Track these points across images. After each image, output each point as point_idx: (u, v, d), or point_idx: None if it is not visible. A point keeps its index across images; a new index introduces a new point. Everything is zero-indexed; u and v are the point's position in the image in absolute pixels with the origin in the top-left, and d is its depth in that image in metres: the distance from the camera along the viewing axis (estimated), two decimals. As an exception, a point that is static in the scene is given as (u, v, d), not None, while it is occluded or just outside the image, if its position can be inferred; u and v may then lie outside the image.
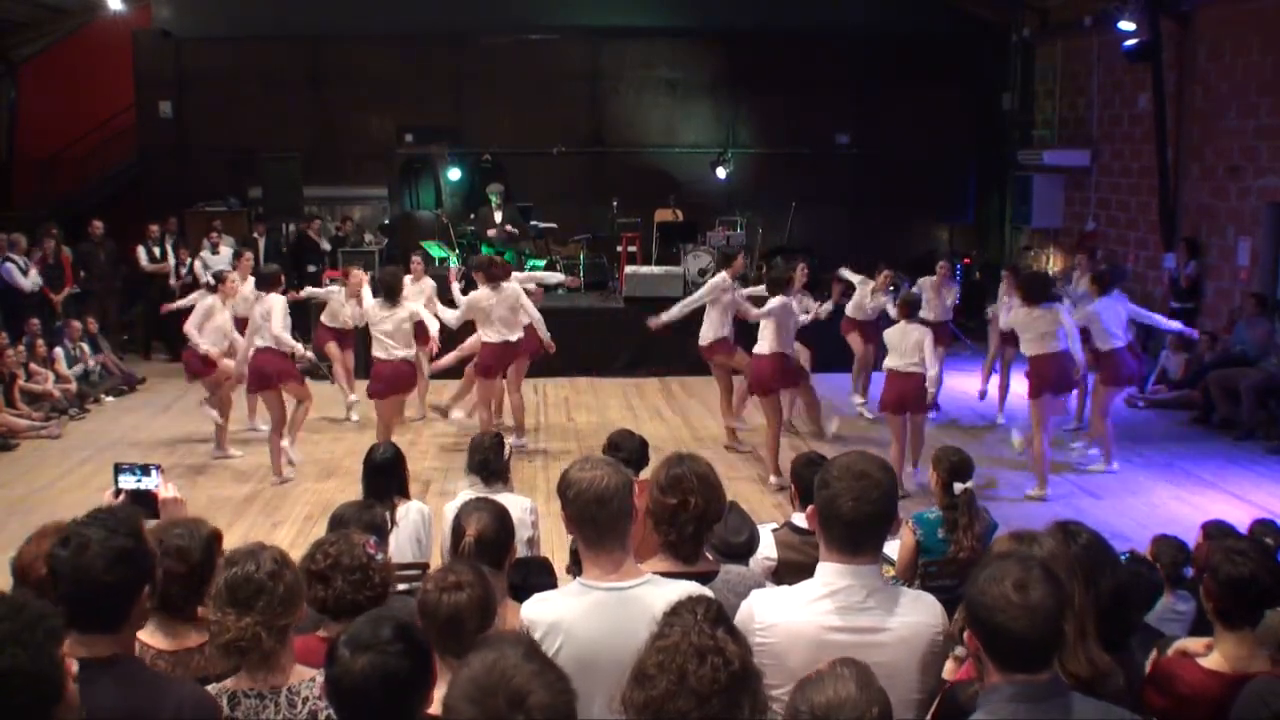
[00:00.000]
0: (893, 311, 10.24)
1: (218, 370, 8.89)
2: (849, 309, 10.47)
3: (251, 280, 9.87)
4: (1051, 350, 7.85)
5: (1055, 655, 2.16)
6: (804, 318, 8.99)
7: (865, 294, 10.35)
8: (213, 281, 9.08)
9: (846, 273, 10.64)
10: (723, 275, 9.23)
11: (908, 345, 7.94)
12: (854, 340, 10.56)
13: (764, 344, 8.29)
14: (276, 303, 8.27)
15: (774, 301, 8.27)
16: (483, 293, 8.71)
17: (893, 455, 7.83)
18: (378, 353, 8.18)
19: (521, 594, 3.07)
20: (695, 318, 9.30)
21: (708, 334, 9.19)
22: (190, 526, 2.79)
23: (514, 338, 8.80)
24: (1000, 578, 2.11)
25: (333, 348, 10.16)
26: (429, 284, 10.36)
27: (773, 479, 8.27)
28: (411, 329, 8.24)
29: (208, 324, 8.76)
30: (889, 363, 8.07)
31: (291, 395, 8.57)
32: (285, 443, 8.51)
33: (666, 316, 9.18)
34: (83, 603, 2.16)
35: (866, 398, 10.49)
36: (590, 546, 2.62)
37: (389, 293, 8.19)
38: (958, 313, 11.26)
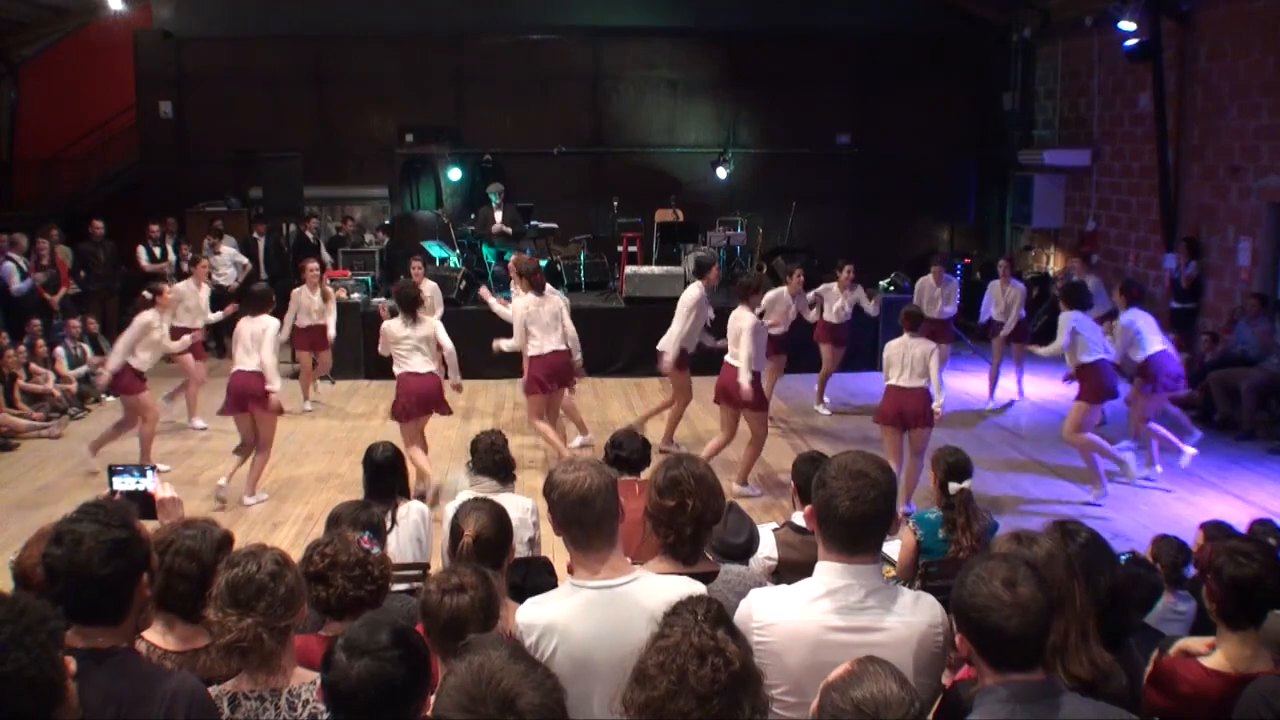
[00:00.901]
0: (869, 308, 10.33)
1: (145, 394, 8.36)
2: (826, 314, 10.41)
3: (205, 290, 10.03)
4: (1094, 359, 7.77)
5: (1046, 653, 2.17)
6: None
7: (833, 294, 10.38)
8: (149, 295, 8.30)
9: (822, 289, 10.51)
10: (697, 286, 8.68)
11: (910, 359, 7.52)
12: (826, 349, 10.54)
13: (737, 356, 7.79)
14: (271, 326, 7.82)
15: (746, 321, 7.78)
16: (529, 299, 8.27)
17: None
18: (403, 368, 7.71)
19: (522, 594, 3.07)
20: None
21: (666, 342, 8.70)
22: (203, 528, 2.80)
23: (562, 346, 8.27)
24: (988, 578, 2.12)
25: (305, 357, 10.44)
26: (430, 285, 10.43)
27: (735, 487, 7.83)
28: (434, 344, 7.77)
29: (144, 340, 8.17)
30: (890, 379, 7.60)
31: (258, 424, 7.85)
32: (223, 480, 7.81)
33: (671, 353, 8.64)
34: (82, 597, 2.16)
35: (824, 401, 10.68)
36: (578, 547, 2.63)
37: (409, 307, 7.69)
38: (959, 312, 11.30)
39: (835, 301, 10.37)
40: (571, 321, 8.47)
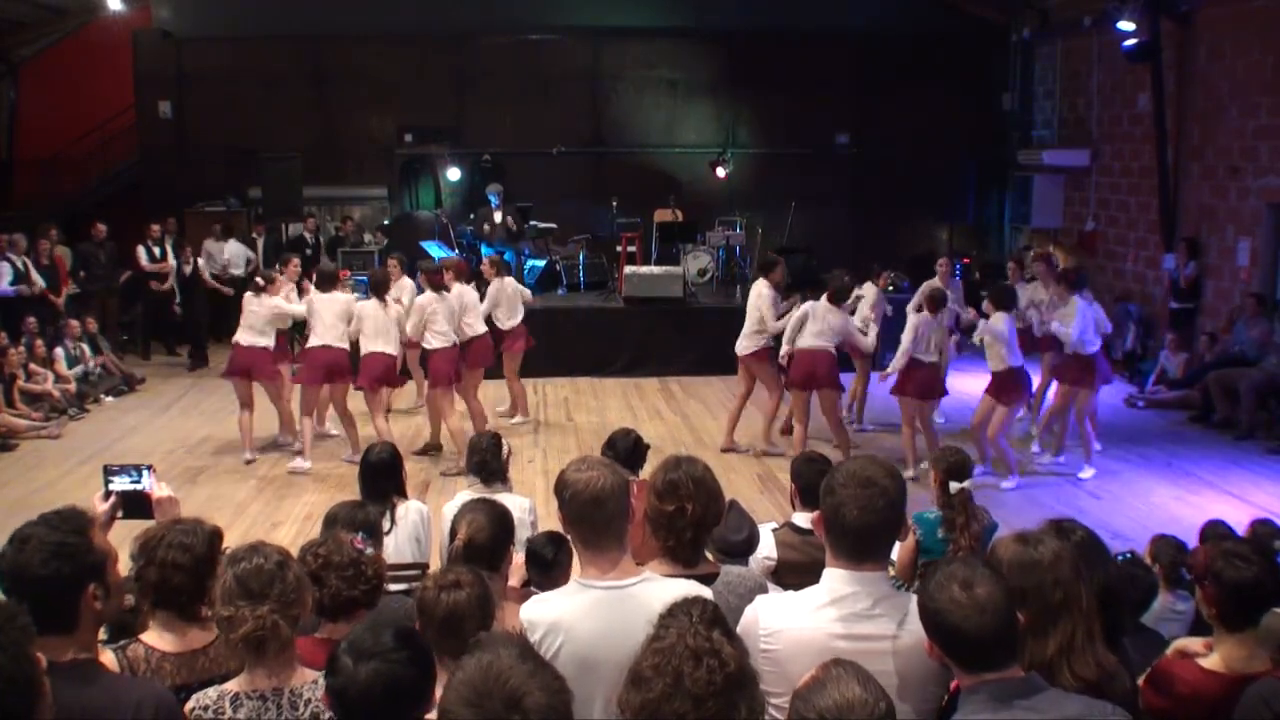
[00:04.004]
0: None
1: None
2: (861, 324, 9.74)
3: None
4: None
5: (1016, 649, 2.17)
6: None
7: (874, 300, 9.76)
8: (261, 282, 9.08)
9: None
10: (763, 284, 9.07)
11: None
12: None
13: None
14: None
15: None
16: (431, 297, 8.82)
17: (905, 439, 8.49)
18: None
19: (550, 567, 3.21)
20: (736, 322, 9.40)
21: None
22: (193, 523, 2.80)
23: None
24: (947, 581, 2.14)
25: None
26: (406, 283, 10.29)
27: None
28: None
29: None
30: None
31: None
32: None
33: (784, 352, 8.71)
34: (23, 599, 2.11)
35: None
36: (587, 546, 2.61)
37: (375, 289, 8.70)
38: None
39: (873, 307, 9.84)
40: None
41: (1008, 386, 8.08)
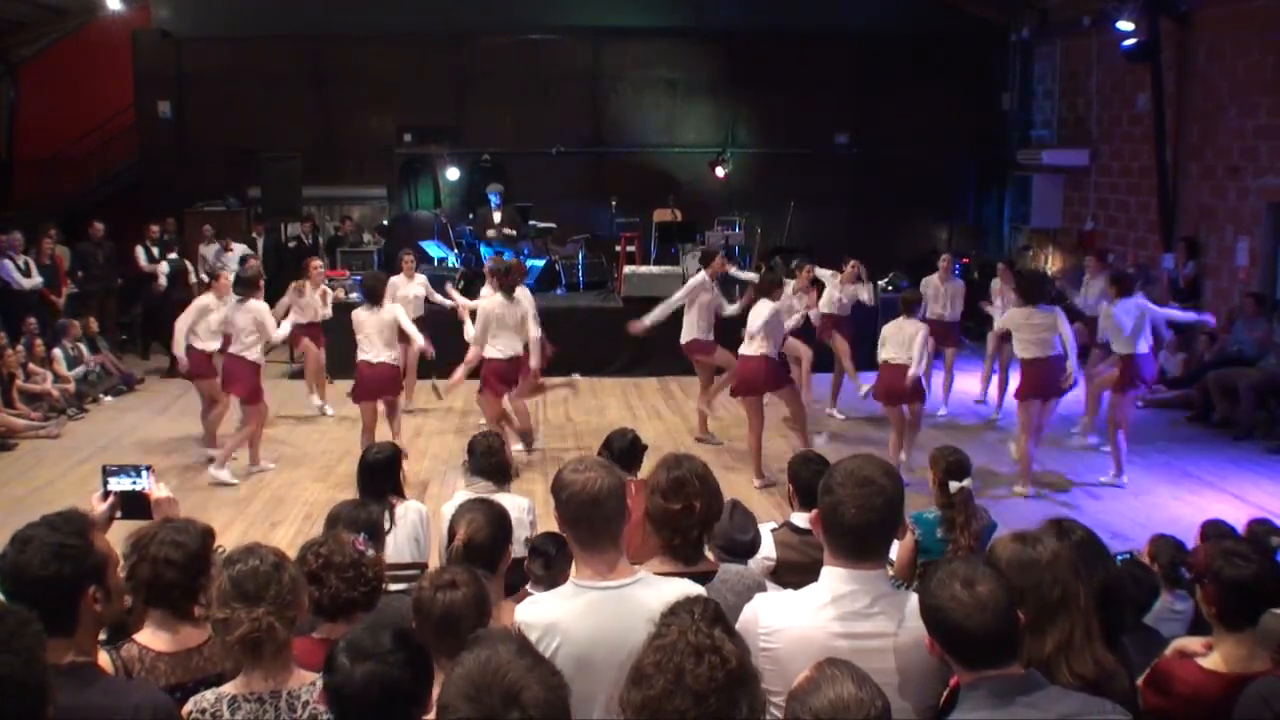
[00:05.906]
0: (865, 298, 10.31)
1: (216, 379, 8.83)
2: (822, 305, 10.27)
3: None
4: (1045, 355, 7.80)
5: (1017, 648, 2.18)
6: (793, 320, 8.85)
7: (835, 287, 10.27)
8: (206, 279, 9.03)
9: (819, 271, 10.32)
10: (701, 275, 9.36)
11: (902, 339, 8.19)
12: (838, 342, 10.37)
13: (751, 346, 8.18)
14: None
15: (764, 311, 8.04)
16: (497, 301, 8.51)
17: (891, 443, 8.30)
18: (362, 356, 8.24)
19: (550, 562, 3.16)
20: (680, 317, 9.52)
21: (685, 333, 9.41)
22: (185, 521, 2.80)
23: (517, 352, 8.56)
24: (948, 579, 2.15)
25: (309, 344, 10.17)
26: (420, 278, 10.45)
27: (756, 481, 8.23)
28: (395, 331, 8.23)
29: (201, 323, 8.79)
30: (882, 354, 8.35)
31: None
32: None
33: (649, 319, 9.45)
34: (23, 600, 2.13)
35: (836, 405, 10.53)
36: (583, 547, 2.60)
37: (371, 295, 8.27)
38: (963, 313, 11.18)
39: (834, 293, 10.30)
40: (537, 325, 8.73)
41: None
